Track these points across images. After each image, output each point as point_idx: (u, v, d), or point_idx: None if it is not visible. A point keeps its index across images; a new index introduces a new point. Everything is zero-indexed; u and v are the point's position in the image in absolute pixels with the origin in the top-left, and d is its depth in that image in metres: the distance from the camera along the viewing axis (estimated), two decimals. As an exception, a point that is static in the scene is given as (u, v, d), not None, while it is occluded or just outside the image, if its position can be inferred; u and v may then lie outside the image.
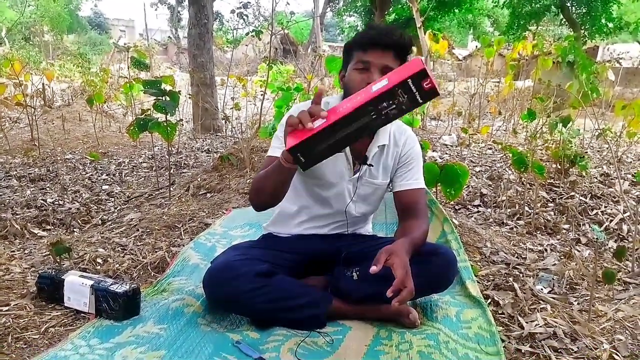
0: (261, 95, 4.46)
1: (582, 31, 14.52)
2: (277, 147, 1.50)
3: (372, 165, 1.56)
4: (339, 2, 23.55)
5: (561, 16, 15.21)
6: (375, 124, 1.11)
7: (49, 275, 1.61)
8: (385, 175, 1.60)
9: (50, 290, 1.59)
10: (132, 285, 1.48)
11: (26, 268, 1.96)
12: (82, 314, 1.52)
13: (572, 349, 1.41)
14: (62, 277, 1.56)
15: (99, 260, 2.02)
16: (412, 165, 1.59)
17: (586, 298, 1.71)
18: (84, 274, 1.63)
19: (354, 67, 1.44)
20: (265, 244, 1.63)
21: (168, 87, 3.11)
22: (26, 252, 2.22)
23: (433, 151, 4.26)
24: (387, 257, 1.28)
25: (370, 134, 1.24)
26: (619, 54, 12.72)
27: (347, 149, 1.53)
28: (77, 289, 1.52)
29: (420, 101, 1.08)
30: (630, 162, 4.11)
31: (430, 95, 1.07)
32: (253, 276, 1.41)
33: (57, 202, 3.10)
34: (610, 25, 14.39)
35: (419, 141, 1.68)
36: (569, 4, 14.58)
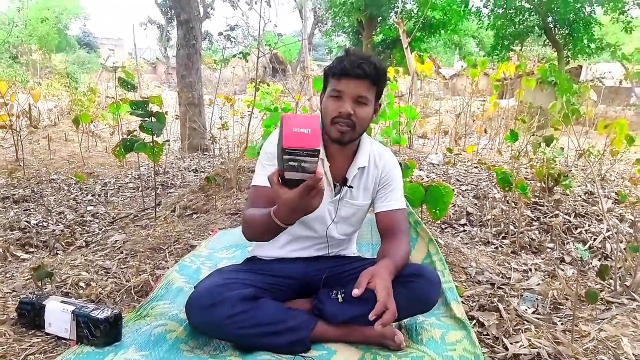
0: (249, 115, 4.47)
1: (565, 52, 14.83)
2: (262, 176, 1.49)
3: (352, 187, 1.58)
4: (327, 23, 23.86)
5: (545, 37, 15.55)
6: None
7: (29, 301, 1.58)
8: (365, 196, 1.62)
9: (31, 316, 1.56)
10: (114, 311, 1.46)
11: (7, 292, 1.92)
12: (63, 341, 1.50)
13: (556, 371, 1.42)
14: (43, 303, 1.54)
15: (81, 284, 1.99)
16: (392, 186, 1.62)
17: (570, 318, 1.73)
18: (65, 299, 1.61)
19: (329, 95, 1.48)
20: (249, 268, 1.62)
21: (155, 108, 3.11)
22: (8, 275, 2.18)
23: (419, 170, 4.30)
24: (369, 279, 1.29)
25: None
26: (601, 74, 13.03)
27: (328, 172, 1.55)
28: (58, 315, 1.49)
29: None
30: (614, 180, 4.18)
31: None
32: (237, 300, 1.41)
33: (41, 224, 3.06)
34: (593, 46, 14.72)
35: (405, 160, 1.71)
36: (552, 26, 14.91)
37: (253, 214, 1.39)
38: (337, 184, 1.58)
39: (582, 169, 4.45)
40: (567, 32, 14.75)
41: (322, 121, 1.50)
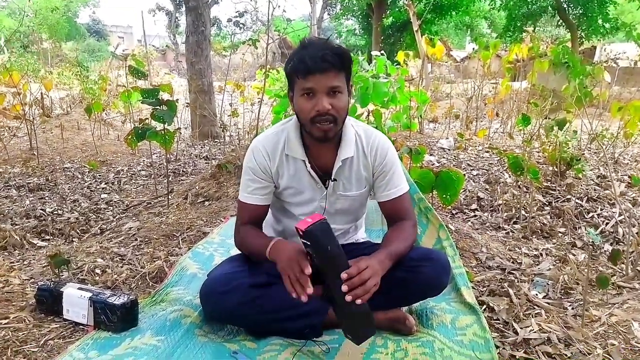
0: (258, 101, 4.48)
1: (579, 32, 14.56)
2: (249, 194, 1.55)
3: (336, 180, 1.55)
4: (336, 6, 23.60)
5: (558, 17, 15.26)
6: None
7: (48, 288, 1.62)
8: (359, 186, 1.59)
9: (49, 302, 1.61)
10: (130, 297, 1.50)
11: (25, 279, 1.97)
12: (81, 326, 1.54)
13: (566, 355, 1.42)
14: (61, 290, 1.58)
15: (97, 270, 2.04)
16: (389, 174, 1.57)
17: (580, 303, 1.73)
18: (83, 286, 1.65)
19: (300, 95, 1.42)
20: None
21: (166, 96, 3.12)
22: (25, 263, 2.23)
23: (430, 155, 4.28)
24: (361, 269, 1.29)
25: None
26: (616, 54, 12.76)
27: (310, 168, 1.53)
28: (76, 301, 1.53)
29: (308, 243, 1.27)
30: (627, 163, 4.13)
31: (309, 235, 1.25)
32: (249, 287, 1.43)
33: (56, 212, 3.12)
34: (607, 25, 14.42)
35: (416, 145, 1.68)
36: (565, 5, 14.61)
37: (250, 237, 1.55)
38: (327, 179, 1.56)
39: (595, 153, 4.40)
40: (580, 11, 14.47)
41: (300, 121, 1.48)
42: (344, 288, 1.23)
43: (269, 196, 1.57)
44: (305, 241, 1.27)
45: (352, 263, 1.29)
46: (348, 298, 1.23)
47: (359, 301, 1.24)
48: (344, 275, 1.24)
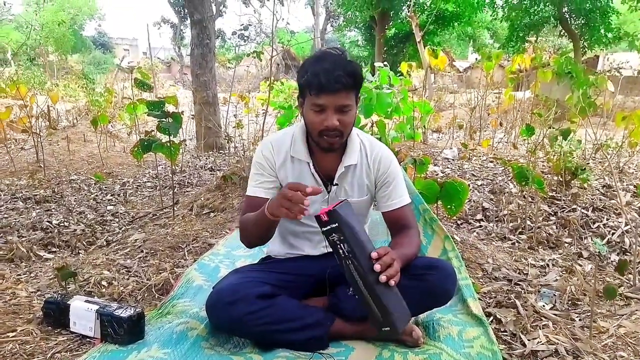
0: (263, 112, 4.50)
1: (582, 42, 14.60)
2: (255, 187, 1.56)
3: (337, 185, 1.58)
4: (339, 18, 23.79)
5: (560, 27, 15.32)
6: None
7: (54, 301, 1.63)
8: (360, 193, 1.62)
9: (56, 315, 1.61)
10: (137, 310, 1.50)
11: (32, 292, 1.98)
12: (88, 339, 1.54)
13: (574, 367, 1.42)
14: (68, 303, 1.58)
15: (104, 283, 2.04)
16: (391, 184, 1.60)
17: (588, 314, 1.72)
18: (89, 298, 1.65)
19: (310, 108, 1.45)
20: (265, 267, 1.65)
21: (171, 108, 3.15)
22: (32, 275, 2.24)
23: (434, 165, 4.29)
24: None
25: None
26: (619, 64, 12.78)
27: (314, 171, 1.57)
28: (83, 314, 1.53)
29: (333, 226, 1.23)
30: (633, 172, 4.12)
31: (335, 215, 1.22)
32: (254, 298, 1.43)
33: (62, 224, 3.13)
34: (610, 35, 14.46)
35: (420, 155, 1.69)
36: (567, 16, 14.67)
37: (248, 215, 1.50)
38: (329, 184, 1.59)
39: (600, 162, 4.38)
40: (583, 21, 14.52)
41: (307, 130, 1.53)
42: (377, 267, 1.22)
43: (274, 192, 1.58)
44: (329, 227, 1.23)
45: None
46: (382, 278, 1.22)
47: (392, 282, 1.24)
48: (374, 255, 1.24)
